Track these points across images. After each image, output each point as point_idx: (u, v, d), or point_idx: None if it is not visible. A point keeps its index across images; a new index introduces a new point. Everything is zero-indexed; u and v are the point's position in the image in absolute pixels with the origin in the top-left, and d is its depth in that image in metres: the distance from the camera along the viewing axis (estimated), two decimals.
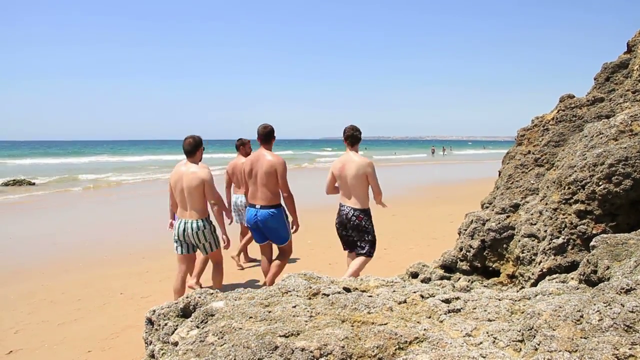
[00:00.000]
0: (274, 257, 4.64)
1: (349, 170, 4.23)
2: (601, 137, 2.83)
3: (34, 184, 17.64)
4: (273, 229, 4.37)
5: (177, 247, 4.25)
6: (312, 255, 6.74)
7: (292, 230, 4.52)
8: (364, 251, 4.30)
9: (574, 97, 3.99)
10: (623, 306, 1.38)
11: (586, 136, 3.00)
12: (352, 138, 4.32)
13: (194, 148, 4.13)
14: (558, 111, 3.94)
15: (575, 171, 2.73)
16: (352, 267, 4.25)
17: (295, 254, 6.79)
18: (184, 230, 4.12)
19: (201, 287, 4.47)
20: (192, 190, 4.04)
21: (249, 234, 5.90)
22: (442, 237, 7.37)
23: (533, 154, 3.86)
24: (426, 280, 3.40)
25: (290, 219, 4.52)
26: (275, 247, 4.63)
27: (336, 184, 4.50)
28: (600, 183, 2.57)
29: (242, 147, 6.03)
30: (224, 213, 4.27)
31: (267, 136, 4.38)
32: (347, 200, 4.32)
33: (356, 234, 4.31)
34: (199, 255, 4.68)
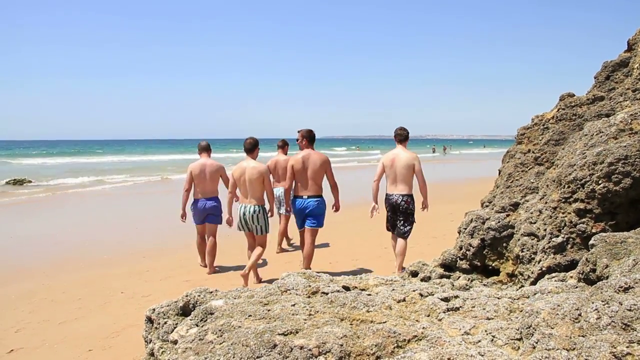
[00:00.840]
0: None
1: (399, 162, 5.14)
2: (601, 136, 2.82)
3: (34, 183, 17.68)
4: (318, 215, 5.26)
5: (239, 227, 5.17)
6: (313, 254, 6.73)
7: (333, 210, 5.43)
8: (407, 233, 5.22)
9: (574, 95, 3.99)
10: (621, 304, 1.38)
11: (586, 135, 3.00)
12: (400, 136, 5.32)
13: (253, 147, 5.13)
14: (558, 110, 3.94)
15: (575, 170, 2.73)
16: (400, 253, 5.19)
17: (295, 253, 6.79)
18: (244, 213, 5.05)
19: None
20: (252, 182, 4.99)
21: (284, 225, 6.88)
22: (442, 235, 7.36)
23: (533, 152, 3.86)
24: (426, 279, 3.40)
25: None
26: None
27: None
28: (599, 182, 2.57)
29: (286, 146, 6.96)
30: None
31: (313, 139, 5.36)
32: (395, 188, 5.20)
33: (404, 217, 5.19)
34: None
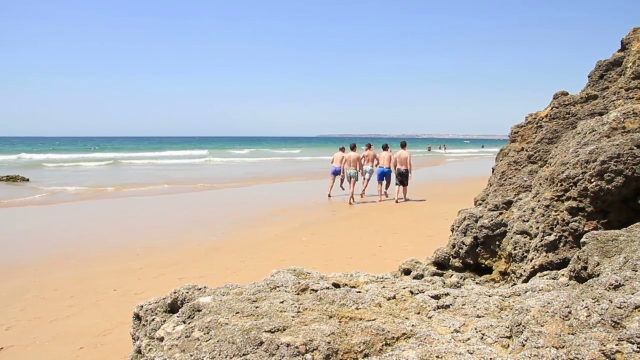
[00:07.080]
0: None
1: (403, 155, 12.53)
2: (594, 134, 2.81)
3: (28, 180, 17.55)
4: (389, 175, 12.88)
5: (347, 178, 12.80)
6: (307, 251, 6.73)
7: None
8: (407, 183, 12.24)
9: (567, 94, 3.98)
10: (611, 302, 1.37)
11: (579, 133, 2.99)
12: (404, 145, 13.32)
13: (353, 146, 13.57)
14: (552, 108, 3.93)
15: (568, 168, 2.71)
16: (404, 192, 12.27)
17: (290, 250, 6.78)
18: (350, 172, 12.77)
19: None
20: (354, 161, 13.00)
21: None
22: (437, 234, 7.37)
23: (526, 150, 3.85)
24: (418, 277, 3.38)
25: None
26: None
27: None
28: (592, 180, 2.56)
29: (371, 145, 14.06)
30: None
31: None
32: (402, 166, 12.27)
33: (405, 179, 12.18)
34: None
